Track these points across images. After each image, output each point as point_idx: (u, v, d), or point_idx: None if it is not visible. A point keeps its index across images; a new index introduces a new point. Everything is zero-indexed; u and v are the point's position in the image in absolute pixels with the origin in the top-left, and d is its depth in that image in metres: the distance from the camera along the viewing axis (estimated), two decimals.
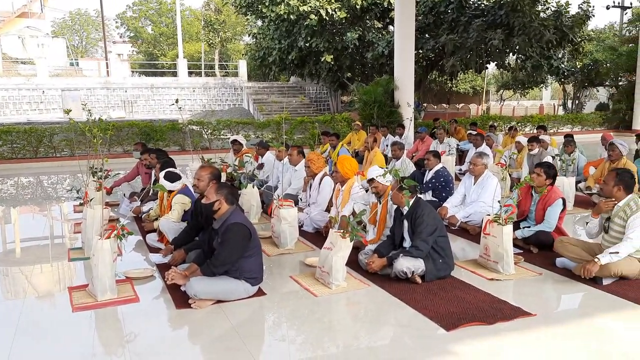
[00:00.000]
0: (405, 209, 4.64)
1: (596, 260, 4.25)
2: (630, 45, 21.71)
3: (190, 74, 32.75)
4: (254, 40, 24.34)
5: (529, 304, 3.99)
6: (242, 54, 32.36)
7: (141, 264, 5.13)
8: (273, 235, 5.74)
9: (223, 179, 6.80)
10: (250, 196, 6.73)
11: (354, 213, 4.93)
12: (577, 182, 8.10)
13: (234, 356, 3.29)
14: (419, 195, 4.76)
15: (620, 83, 22.98)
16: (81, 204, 6.42)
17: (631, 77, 20.54)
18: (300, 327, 3.76)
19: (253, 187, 6.76)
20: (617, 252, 4.26)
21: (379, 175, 5.13)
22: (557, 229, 5.33)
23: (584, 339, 3.50)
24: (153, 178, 6.95)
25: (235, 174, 7.26)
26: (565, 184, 7.24)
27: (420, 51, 19.72)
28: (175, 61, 31.96)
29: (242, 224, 3.99)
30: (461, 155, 11.20)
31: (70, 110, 5.58)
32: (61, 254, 5.57)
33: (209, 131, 15.04)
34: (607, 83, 24.87)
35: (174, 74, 31.11)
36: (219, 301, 4.02)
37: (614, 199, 4.50)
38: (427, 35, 20.15)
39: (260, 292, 4.24)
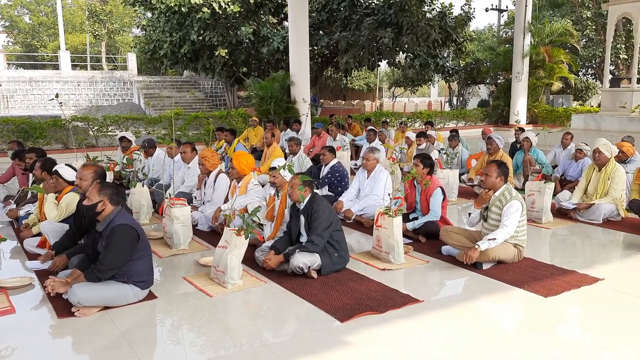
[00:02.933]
0: (302, 205, 4.68)
1: (476, 246, 4.57)
2: (507, 45, 23.41)
3: (74, 67, 30.67)
4: (144, 32, 23.25)
5: (417, 291, 4.19)
6: (131, 47, 30.87)
7: (17, 272, 4.71)
8: (165, 235, 5.53)
9: (110, 178, 6.45)
10: (140, 195, 6.43)
11: (246, 209, 4.87)
12: (461, 174, 8.65)
13: None
14: (315, 191, 4.81)
15: (498, 81, 24.81)
16: None
17: (508, 76, 22.19)
18: (197, 329, 3.65)
19: (143, 185, 6.47)
20: (495, 239, 4.60)
21: (280, 167, 5.12)
22: (442, 219, 5.65)
23: (467, 320, 3.73)
24: (31, 179, 6.42)
25: (123, 172, 6.91)
26: (450, 176, 7.71)
27: (315, 48, 19.98)
28: (57, 53, 29.74)
29: (128, 225, 3.79)
30: (356, 150, 11.53)
31: None
32: None
33: (96, 128, 14.17)
34: (487, 81, 26.82)
35: (56, 67, 28.94)
36: (105, 307, 3.80)
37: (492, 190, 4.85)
38: (321, 32, 20.44)
39: (151, 296, 4.07)
